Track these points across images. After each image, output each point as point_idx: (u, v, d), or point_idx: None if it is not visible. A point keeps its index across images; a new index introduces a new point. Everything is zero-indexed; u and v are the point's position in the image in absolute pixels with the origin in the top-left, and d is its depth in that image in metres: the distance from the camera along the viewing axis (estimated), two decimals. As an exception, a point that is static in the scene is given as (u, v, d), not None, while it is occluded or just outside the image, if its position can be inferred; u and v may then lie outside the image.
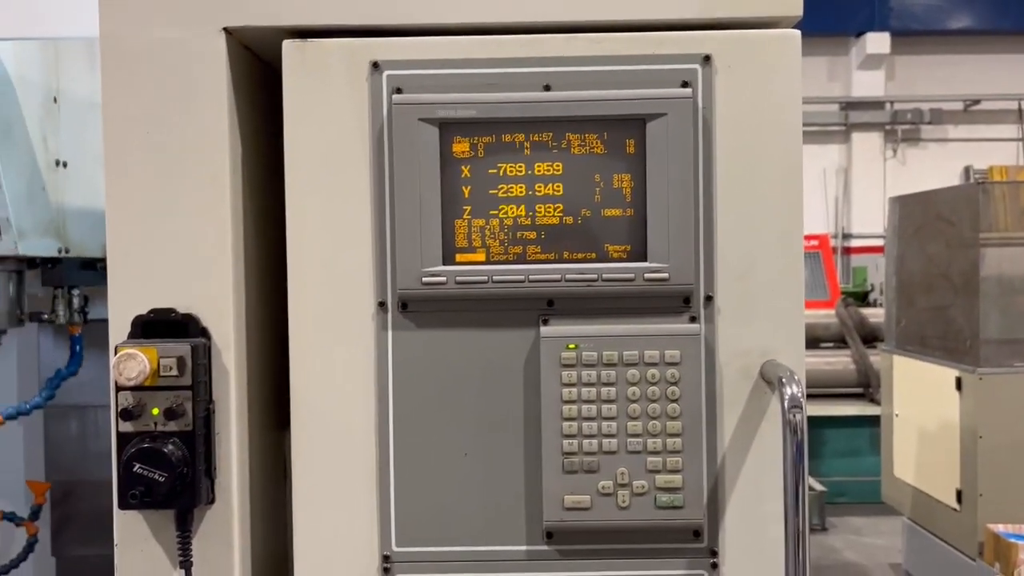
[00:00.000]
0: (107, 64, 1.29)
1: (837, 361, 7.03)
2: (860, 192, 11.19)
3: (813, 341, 7.21)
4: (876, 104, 11.09)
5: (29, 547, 2.70)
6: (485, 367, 1.29)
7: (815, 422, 6.56)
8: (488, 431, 1.29)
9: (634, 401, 1.27)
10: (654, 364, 1.27)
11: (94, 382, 2.45)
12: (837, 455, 6.62)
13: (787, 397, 1.18)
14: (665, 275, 1.27)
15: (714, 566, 1.29)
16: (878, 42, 10.70)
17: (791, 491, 1.18)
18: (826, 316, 7.39)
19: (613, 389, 1.27)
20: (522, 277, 1.27)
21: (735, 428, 1.29)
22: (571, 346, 1.27)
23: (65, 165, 2.02)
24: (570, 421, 1.27)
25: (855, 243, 11.16)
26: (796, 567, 1.18)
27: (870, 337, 6.96)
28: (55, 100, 1.97)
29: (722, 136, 1.28)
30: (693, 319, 1.28)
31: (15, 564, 2.66)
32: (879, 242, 8.79)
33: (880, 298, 8.29)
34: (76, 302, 2.29)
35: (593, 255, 1.28)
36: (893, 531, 5.28)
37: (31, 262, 2.02)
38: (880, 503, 4.97)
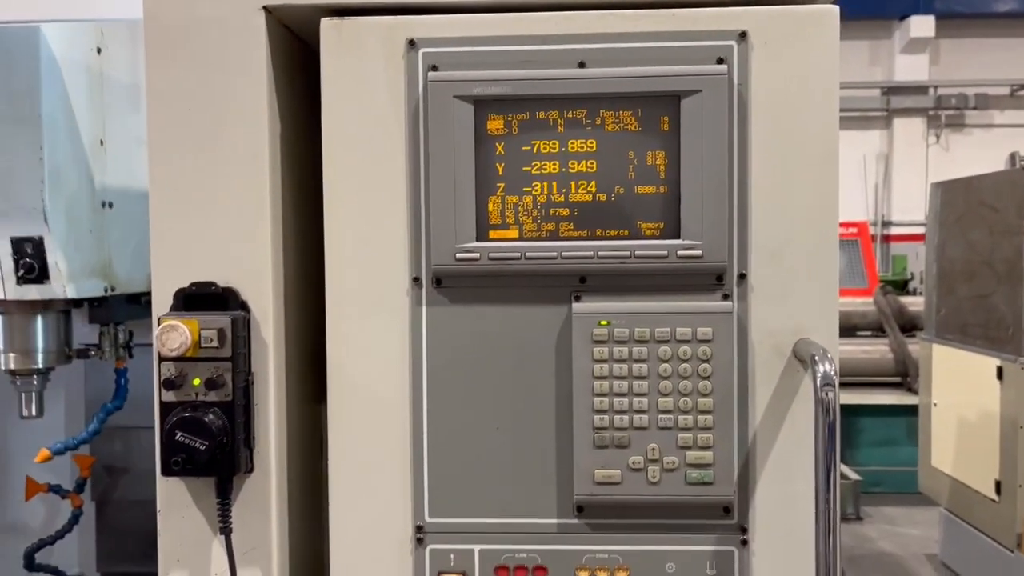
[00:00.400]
0: (150, 43, 1.32)
1: (874, 350, 6.95)
2: (901, 179, 11.00)
3: (850, 329, 7.13)
4: (919, 89, 10.88)
5: (74, 519, 2.77)
6: (518, 343, 1.31)
7: (851, 411, 6.49)
8: (520, 405, 1.31)
9: (665, 378, 1.28)
10: (686, 341, 1.27)
11: (139, 404, 2.53)
12: (873, 444, 6.56)
13: (819, 375, 1.18)
14: (698, 252, 1.27)
15: (744, 543, 1.30)
16: (922, 25, 10.48)
17: (822, 470, 1.18)
18: (863, 304, 7.31)
19: (645, 366, 1.28)
20: (555, 254, 1.28)
21: (767, 406, 1.29)
22: (603, 323, 1.28)
23: (111, 206, 2.07)
24: (601, 397, 1.28)
25: (895, 231, 10.99)
26: (826, 546, 1.18)
27: (909, 326, 6.87)
28: (102, 143, 2.02)
29: (757, 113, 1.27)
30: (726, 297, 1.29)
31: (60, 535, 2.74)
32: (920, 230, 8.64)
33: (920, 286, 8.17)
34: (121, 337, 2.36)
35: (626, 232, 1.29)
36: (929, 522, 5.23)
37: (78, 301, 2.07)
38: (916, 494, 4.92)
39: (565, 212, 1.29)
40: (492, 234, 1.30)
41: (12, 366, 2.05)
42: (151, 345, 1.29)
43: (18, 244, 1.84)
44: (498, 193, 1.30)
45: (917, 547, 5.30)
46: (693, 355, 1.27)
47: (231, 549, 1.29)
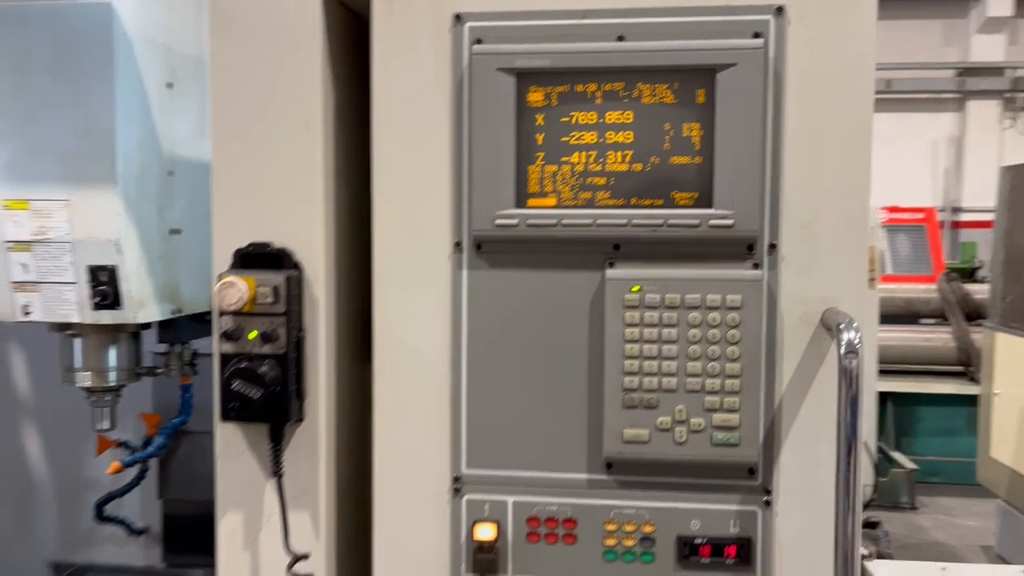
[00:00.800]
0: (215, 17, 1.41)
1: (936, 338, 6.80)
2: (973, 163, 10.66)
3: (912, 316, 6.99)
4: (995, 70, 10.49)
5: (140, 475, 2.94)
6: (553, 306, 1.37)
7: (910, 399, 6.38)
8: (554, 366, 1.37)
9: (694, 343, 1.32)
10: (715, 308, 1.32)
11: (201, 410, 2.68)
12: (932, 434, 6.45)
13: (844, 343, 1.21)
14: (730, 222, 1.31)
15: (767, 504, 1.34)
16: (1000, 4, 10.10)
17: (844, 435, 1.22)
18: (926, 291, 7.15)
19: (674, 330, 1.32)
20: (590, 221, 1.33)
21: (794, 372, 1.32)
22: (635, 288, 1.33)
23: (179, 232, 2.18)
24: (631, 359, 1.33)
25: (966, 217, 10.66)
26: (846, 508, 1.22)
27: (974, 314, 6.69)
28: (171, 174, 2.13)
29: (792, 87, 1.30)
30: (756, 266, 1.32)
31: (128, 489, 2.90)
32: (992, 216, 8.40)
33: (989, 274, 7.94)
34: (187, 355, 2.50)
35: (660, 201, 1.33)
36: (986, 513, 5.13)
37: (147, 324, 2.20)
38: (974, 485, 4.83)
39: (601, 181, 1.34)
40: (531, 202, 1.35)
41: (87, 384, 2.19)
42: (209, 355, 1.38)
43: (94, 272, 1.96)
44: (537, 162, 1.35)
45: (973, 538, 5.21)
46: (722, 321, 1.32)
47: (283, 492, 1.39)
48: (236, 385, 1.34)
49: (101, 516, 3.04)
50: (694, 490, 1.35)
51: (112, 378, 2.22)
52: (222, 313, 1.36)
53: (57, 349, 2.18)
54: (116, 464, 2.75)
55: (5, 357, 3.26)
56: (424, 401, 1.40)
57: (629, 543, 1.36)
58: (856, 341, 1.22)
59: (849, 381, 1.21)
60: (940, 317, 6.93)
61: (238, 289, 1.34)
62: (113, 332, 2.16)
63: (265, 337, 1.36)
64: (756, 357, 1.32)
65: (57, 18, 1.94)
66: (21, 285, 2.02)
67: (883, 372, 6.51)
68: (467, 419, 1.39)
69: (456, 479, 1.40)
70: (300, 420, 1.41)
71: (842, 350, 1.21)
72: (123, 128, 1.91)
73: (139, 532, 3.30)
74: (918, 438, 6.42)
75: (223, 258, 1.40)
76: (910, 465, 5.87)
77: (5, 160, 1.97)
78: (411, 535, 1.40)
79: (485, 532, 1.38)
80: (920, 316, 7.06)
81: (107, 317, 1.98)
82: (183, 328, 2.35)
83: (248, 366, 1.35)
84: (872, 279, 5.16)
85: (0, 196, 2.00)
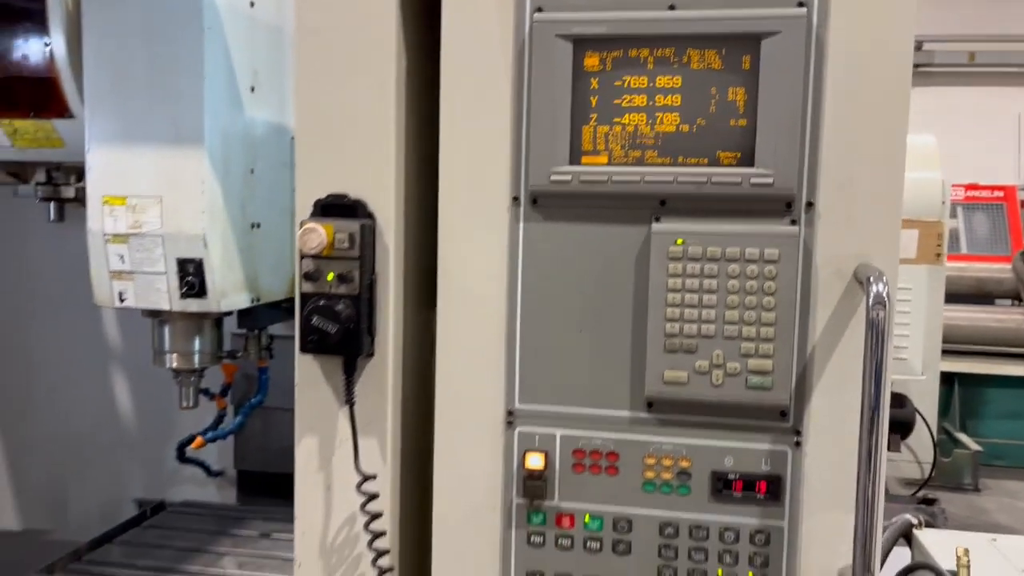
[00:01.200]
0: (301, -12, 1.55)
1: (1009, 319, 6.64)
2: (1063, 140, 10.24)
3: (984, 296, 6.85)
4: (1087, 42, 10.03)
5: (218, 419, 3.15)
6: (602, 257, 1.48)
7: (977, 380, 6.28)
8: (601, 311, 1.48)
9: (733, 293, 1.42)
10: (754, 261, 1.41)
11: (276, 387, 2.88)
12: (998, 416, 6.35)
13: (872, 294, 1.30)
14: (770, 180, 1.40)
15: (797, 444, 1.44)
16: (1095, -28, 9.63)
17: (871, 382, 1.31)
18: (1000, 271, 6.98)
19: (714, 281, 1.43)
20: (638, 178, 1.44)
21: (826, 323, 1.41)
22: (679, 241, 1.44)
23: (259, 226, 2.34)
24: (673, 307, 1.44)
25: (1053, 197, 10.27)
26: (870, 454, 1.32)
27: (1053, 296, 6.53)
28: (252, 172, 2.28)
29: (834, 54, 1.38)
30: (793, 222, 1.41)
31: (206, 432, 3.11)
32: (1078, 196, 8.10)
33: (1068, 255, 7.70)
34: (264, 340, 2.69)
35: (705, 160, 1.43)
36: (1053, 499, 5.07)
37: (228, 312, 2.39)
38: (1042, 470, 4.79)
39: (650, 141, 1.45)
40: (584, 159, 1.47)
41: (174, 365, 2.42)
42: (293, 338, 1.54)
43: (183, 264, 2.15)
44: (591, 123, 1.46)
45: (1036, 522, 5.16)
46: (759, 273, 1.41)
47: (354, 419, 1.55)
48: (315, 320, 1.50)
49: (182, 457, 3.29)
50: (728, 429, 1.46)
51: (196, 361, 2.44)
52: (303, 256, 1.51)
53: (140, 314, 2.39)
54: (199, 439, 2.99)
55: (97, 320, 3.55)
56: (482, 342, 1.54)
57: (667, 476, 1.48)
58: (884, 294, 1.30)
59: (876, 331, 1.30)
60: (1015, 298, 6.78)
61: (318, 235, 1.49)
62: (198, 319, 2.37)
63: (341, 279, 1.51)
64: (790, 308, 1.41)
65: (150, 32, 2.11)
66: (118, 274, 2.22)
67: (952, 352, 6.41)
68: (520, 359, 1.52)
69: (509, 413, 1.53)
70: (371, 355, 1.56)
71: (870, 301, 1.30)
72: (211, 131, 2.10)
73: (216, 474, 3.55)
74: (985, 420, 6.32)
75: (305, 207, 1.55)
76: (975, 447, 5.80)
77: (106, 159, 2.17)
78: (468, 462, 1.55)
79: (535, 461, 1.51)
80: (993, 296, 6.91)
81: (193, 306, 2.18)
82: (261, 315, 2.56)
83: (326, 304, 1.50)
84: (939, 255, 5.11)
85: (101, 192, 2.20)
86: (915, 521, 2.28)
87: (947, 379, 6.31)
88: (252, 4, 2.32)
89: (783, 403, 1.43)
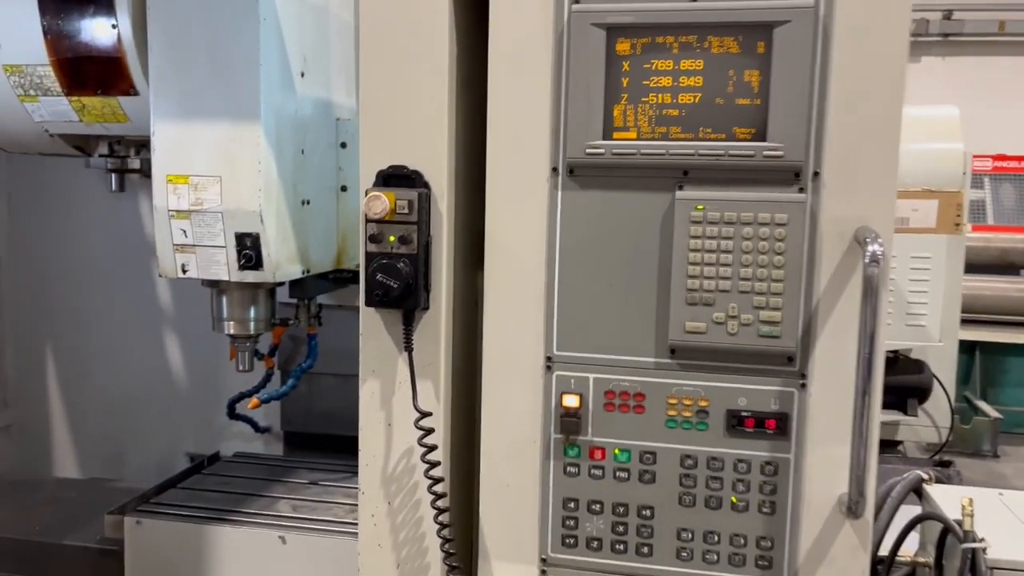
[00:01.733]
0: (364, -16, 1.74)
1: (1032, 289, 6.72)
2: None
3: (1008, 267, 6.91)
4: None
5: (267, 378, 3.37)
6: (631, 221, 1.67)
7: (1000, 350, 6.36)
8: (630, 269, 1.68)
9: (747, 252, 1.61)
10: (765, 224, 1.60)
11: (321, 353, 3.09)
12: (1019, 384, 6.43)
13: (868, 253, 1.49)
14: (780, 153, 1.58)
15: (803, 386, 1.64)
16: None
17: (866, 331, 1.51)
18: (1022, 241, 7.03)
19: (731, 242, 1.62)
20: (664, 151, 1.63)
21: (829, 279, 1.60)
22: (699, 207, 1.63)
23: (308, 203, 2.49)
24: (694, 265, 1.63)
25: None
26: (865, 394, 1.51)
27: (1083, 267, 6.58)
28: (303, 152, 2.43)
29: (839, 40, 1.55)
30: (801, 190, 1.60)
31: (255, 390, 3.33)
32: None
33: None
34: (313, 309, 2.86)
35: (723, 135, 1.62)
36: (1073, 467, 5.18)
37: (282, 282, 2.56)
38: (1064, 438, 4.90)
39: (675, 118, 1.63)
40: (616, 135, 1.66)
41: (232, 331, 2.61)
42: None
43: (240, 238, 2.31)
44: (622, 102, 1.65)
45: (1055, 488, 5.29)
46: (770, 235, 1.60)
47: (412, 364, 1.76)
48: (379, 277, 1.71)
49: (232, 414, 3.52)
50: (742, 373, 1.66)
51: (252, 327, 2.63)
52: (368, 220, 1.72)
53: (193, 281, 2.57)
54: (255, 400, 3.21)
55: (150, 285, 3.77)
56: (524, 296, 1.74)
57: (687, 414, 1.69)
58: (879, 253, 1.49)
59: (872, 286, 1.49)
60: (1040, 268, 6.84)
61: (382, 201, 1.70)
62: (254, 289, 2.56)
63: (401, 240, 1.72)
64: (798, 266, 1.60)
65: (211, 19, 2.26)
66: (181, 247, 2.38)
67: (974, 322, 6.50)
68: (558, 311, 1.73)
69: (548, 358, 1.74)
70: (426, 308, 1.77)
71: (866, 259, 1.49)
72: (266, 114, 2.26)
73: (263, 430, 3.76)
74: (1006, 388, 6.41)
75: (368, 177, 1.76)
76: (994, 414, 5.92)
77: (170, 141, 2.33)
78: (512, 402, 1.76)
79: (571, 401, 1.72)
80: (1017, 267, 6.98)
81: (250, 276, 2.35)
82: (310, 286, 2.75)
83: (388, 263, 1.71)
84: (959, 225, 5.23)
85: (165, 171, 2.36)
86: (926, 476, 2.44)
87: (969, 348, 6.41)
88: (302, -9, 2.50)
89: (790, 350, 1.63)
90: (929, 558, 2.04)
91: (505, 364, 1.76)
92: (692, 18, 1.60)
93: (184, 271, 2.40)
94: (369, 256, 1.73)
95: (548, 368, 1.74)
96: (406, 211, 1.71)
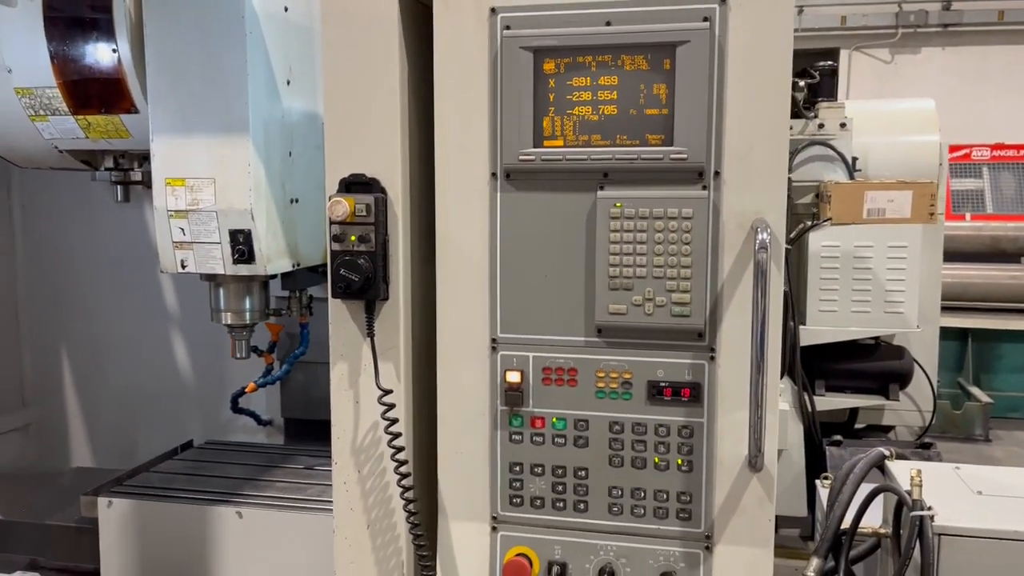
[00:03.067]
0: (326, 10, 1.98)
1: (1022, 275, 6.83)
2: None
3: (999, 255, 7.00)
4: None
5: (267, 372, 3.60)
6: (561, 218, 1.91)
7: (992, 336, 6.46)
8: (561, 260, 1.92)
9: (659, 243, 1.85)
10: (674, 218, 1.84)
11: (315, 344, 3.29)
12: (1012, 370, 6.54)
13: (757, 241, 1.73)
14: (685, 156, 1.82)
15: (712, 358, 1.87)
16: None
17: (758, 307, 1.74)
18: (1016, 228, 7.15)
19: (645, 234, 1.85)
20: (586, 156, 1.86)
21: (731, 265, 1.83)
22: (618, 205, 1.86)
23: (297, 201, 2.70)
24: (614, 255, 1.87)
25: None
26: (760, 364, 1.74)
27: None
28: (290, 154, 2.64)
29: (733, 56, 1.78)
30: (704, 188, 1.83)
31: (264, 380, 3.55)
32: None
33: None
34: (304, 300, 3.07)
35: (637, 141, 1.85)
36: (1064, 448, 5.31)
37: (274, 275, 2.74)
38: (1054, 421, 5.03)
39: (595, 127, 1.87)
40: (545, 143, 1.89)
41: (229, 322, 2.83)
42: (323, 299, 1.92)
43: (233, 235, 2.52)
44: (549, 114, 1.88)
45: (1045, 470, 5.42)
46: (679, 228, 1.84)
47: (375, 348, 2.00)
48: (342, 272, 1.95)
49: (236, 408, 3.75)
50: (659, 348, 1.89)
51: (247, 317, 2.85)
52: (331, 222, 1.96)
53: (197, 282, 2.79)
54: (252, 384, 3.44)
55: (156, 287, 4.01)
56: (471, 285, 1.98)
57: (614, 386, 1.92)
58: (767, 240, 1.72)
59: (760, 269, 1.72)
60: (1031, 256, 6.94)
61: (343, 205, 1.94)
62: (248, 281, 2.76)
63: (361, 239, 1.96)
64: (703, 253, 1.83)
65: (201, 38, 2.47)
66: (179, 244, 2.59)
67: (966, 309, 6.64)
68: (500, 298, 1.96)
69: (493, 340, 1.98)
70: (386, 298, 2.02)
71: (756, 246, 1.73)
72: (254, 120, 2.46)
73: (265, 423, 3.99)
74: (999, 374, 6.54)
75: (332, 184, 2.00)
76: (985, 399, 6.05)
77: (167, 147, 2.54)
78: (463, 378, 2.00)
79: (513, 377, 1.96)
80: (1009, 254, 7.09)
81: (244, 270, 2.55)
82: (301, 278, 2.96)
83: (350, 259, 1.96)
84: (932, 213, 5.41)
85: (164, 175, 2.57)
86: (887, 453, 2.61)
87: (961, 335, 6.57)
88: (286, 9, 2.72)
89: (699, 327, 1.86)
90: (889, 529, 2.16)
91: (456, 346, 2.00)
92: (607, 40, 1.83)
93: (183, 266, 2.61)
94: (334, 254, 1.98)
95: (493, 348, 1.98)
96: (364, 214, 1.95)
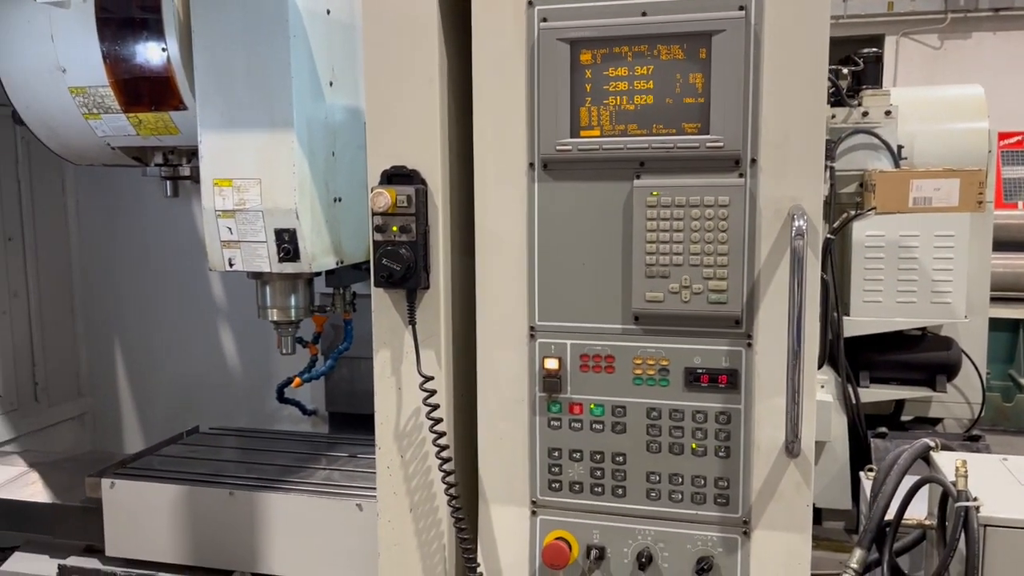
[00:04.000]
0: (367, 7, 2.03)
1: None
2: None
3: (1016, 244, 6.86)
4: None
5: (311, 363, 3.67)
6: (597, 207, 1.93)
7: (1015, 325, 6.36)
8: (598, 248, 1.94)
9: (695, 231, 1.86)
10: (710, 206, 1.85)
11: (359, 339, 3.34)
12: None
13: (794, 227, 1.73)
14: (721, 144, 1.83)
15: (749, 345, 1.88)
16: None
17: (794, 295, 1.75)
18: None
19: (681, 223, 1.87)
20: (622, 146, 1.89)
21: (768, 252, 1.84)
22: (654, 193, 1.88)
23: (340, 200, 2.73)
24: (651, 243, 1.89)
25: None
26: (797, 351, 1.75)
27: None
28: (333, 154, 2.67)
29: (769, 44, 1.79)
30: (741, 175, 1.84)
31: (303, 374, 3.64)
32: None
33: None
34: (348, 296, 3.11)
35: (673, 130, 1.87)
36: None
37: (318, 272, 2.77)
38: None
39: (631, 117, 1.89)
40: (582, 133, 1.92)
41: (275, 319, 2.88)
42: (367, 296, 1.98)
43: (279, 234, 2.55)
44: (586, 104, 1.91)
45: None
46: (715, 216, 1.85)
47: (416, 335, 2.05)
48: (384, 262, 2.00)
49: (281, 398, 3.84)
50: (696, 335, 1.91)
51: (293, 314, 2.90)
52: (374, 214, 2.01)
53: (244, 277, 2.84)
54: (297, 380, 3.51)
55: (204, 282, 4.11)
56: (510, 274, 2.01)
57: (651, 372, 1.95)
58: (804, 227, 1.73)
59: (797, 256, 1.73)
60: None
61: (384, 197, 1.99)
62: (293, 279, 2.82)
63: (402, 230, 2.01)
64: (740, 241, 1.84)
65: (247, 38, 2.53)
66: (227, 243, 2.64)
67: (1017, 300, 6.50)
68: (538, 287, 2.00)
69: (532, 328, 2.01)
70: (427, 287, 2.06)
71: (792, 233, 1.73)
72: (298, 121, 2.50)
73: (310, 413, 4.06)
74: (1031, 364, 6.43)
75: (375, 176, 2.05)
76: (1025, 383, 5.95)
77: (214, 148, 2.60)
78: (502, 366, 2.04)
79: (551, 364, 1.99)
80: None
81: (289, 268, 2.60)
82: (345, 275, 3.01)
83: (392, 249, 2.01)
84: (981, 202, 5.30)
85: (211, 176, 2.62)
86: (932, 444, 2.59)
87: (1012, 326, 6.45)
88: (328, 11, 2.77)
89: (736, 314, 1.87)
90: (934, 520, 2.17)
91: (496, 333, 2.04)
92: (643, 30, 1.85)
93: (231, 264, 2.66)
94: (376, 244, 2.03)
95: (532, 336, 2.01)
96: (405, 205, 2.00)
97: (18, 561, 3.05)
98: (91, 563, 2.93)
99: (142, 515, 2.89)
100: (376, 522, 2.18)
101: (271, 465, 3.13)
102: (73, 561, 2.95)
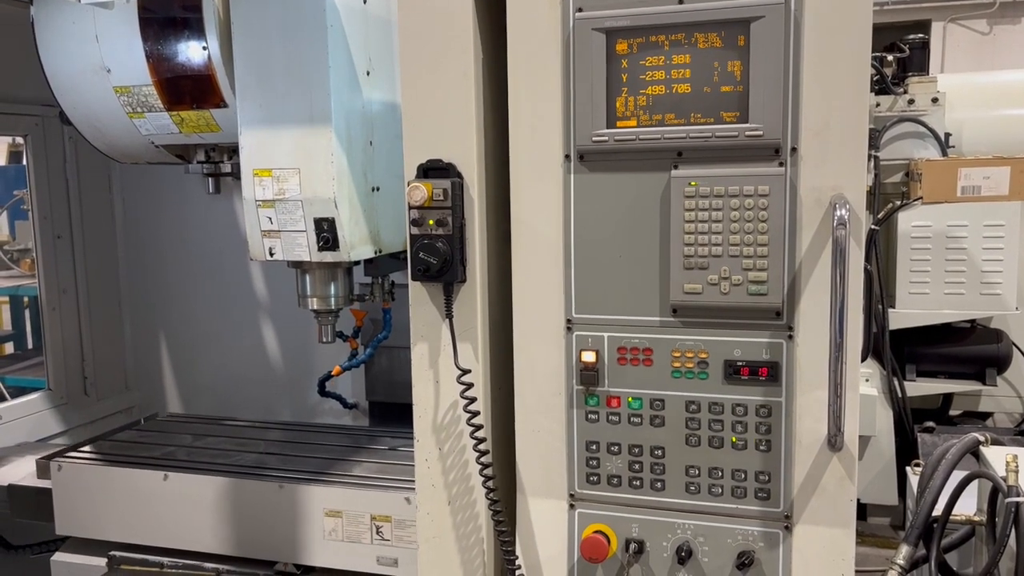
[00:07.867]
0: (402, 3, 2.04)
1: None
2: None
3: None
4: None
5: (351, 356, 3.71)
6: (635, 198, 1.92)
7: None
8: (635, 240, 1.92)
9: (735, 221, 1.84)
10: (750, 196, 1.82)
11: (397, 329, 3.38)
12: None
13: (836, 217, 1.70)
14: (760, 132, 1.80)
15: (790, 337, 1.85)
16: None
17: (837, 286, 1.71)
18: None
19: (720, 213, 1.84)
20: (660, 136, 1.86)
21: (809, 242, 1.81)
22: (692, 183, 1.86)
23: (378, 189, 2.75)
24: (689, 234, 1.87)
25: None
26: (839, 343, 1.71)
27: None
28: (371, 144, 2.70)
29: (809, 31, 1.75)
30: (781, 164, 1.80)
31: (349, 363, 3.67)
32: None
33: None
34: (387, 285, 3.14)
35: (711, 119, 1.84)
36: None
37: (357, 261, 2.80)
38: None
39: (668, 106, 1.86)
40: (618, 123, 1.90)
41: (315, 307, 2.91)
42: (405, 286, 2.00)
43: (318, 223, 2.58)
44: (622, 94, 1.89)
45: None
46: (755, 205, 1.82)
47: (453, 328, 2.05)
48: (421, 255, 2.01)
49: (323, 392, 3.88)
50: (736, 327, 1.88)
51: (332, 303, 2.92)
52: (410, 207, 2.02)
53: (285, 270, 2.89)
54: (337, 368, 3.55)
55: (246, 277, 4.17)
56: (546, 267, 2.01)
57: (690, 365, 1.92)
58: (846, 216, 1.69)
59: (839, 246, 1.70)
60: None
61: (421, 191, 1.99)
62: (332, 268, 2.85)
63: (439, 223, 2.01)
64: (780, 231, 1.81)
65: (285, 33, 2.56)
66: (267, 233, 2.67)
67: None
68: (575, 279, 1.98)
69: (568, 321, 2.00)
70: (463, 280, 2.06)
71: (834, 223, 1.70)
72: (336, 112, 2.53)
73: (351, 406, 4.11)
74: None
75: (411, 170, 2.05)
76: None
77: (254, 140, 2.63)
78: (539, 359, 2.03)
79: (588, 357, 1.98)
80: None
81: (328, 256, 2.62)
82: (383, 264, 3.04)
83: (429, 243, 2.01)
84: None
85: (252, 167, 2.65)
86: (982, 439, 2.54)
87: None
88: (365, 2, 2.79)
89: (777, 305, 1.84)
90: (984, 516, 2.14)
91: (532, 326, 2.04)
92: (680, 19, 1.83)
93: (271, 254, 2.70)
94: (412, 238, 2.03)
95: (568, 329, 2.00)
96: (442, 198, 2.00)
97: (69, 550, 3.15)
98: (138, 555, 3.00)
99: (85, 494, 3.07)
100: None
101: (207, 449, 3.30)
102: (121, 553, 3.03)
